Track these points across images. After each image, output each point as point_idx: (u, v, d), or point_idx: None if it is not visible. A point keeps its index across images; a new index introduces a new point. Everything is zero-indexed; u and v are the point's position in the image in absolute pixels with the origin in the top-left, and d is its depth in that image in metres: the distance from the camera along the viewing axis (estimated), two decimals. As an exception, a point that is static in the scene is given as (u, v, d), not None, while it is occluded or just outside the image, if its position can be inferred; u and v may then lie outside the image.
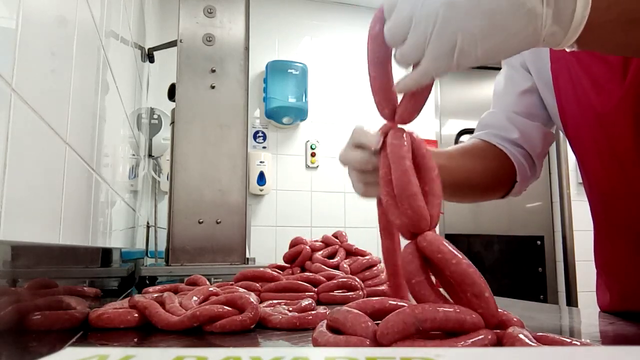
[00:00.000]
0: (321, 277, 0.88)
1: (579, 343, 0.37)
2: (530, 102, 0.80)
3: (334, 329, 0.41)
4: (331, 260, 1.02)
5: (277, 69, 2.86)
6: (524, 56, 0.81)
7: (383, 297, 0.44)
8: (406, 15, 0.40)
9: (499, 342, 0.37)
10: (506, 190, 0.83)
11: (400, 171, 0.44)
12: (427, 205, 0.43)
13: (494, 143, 0.81)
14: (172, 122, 1.50)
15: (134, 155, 1.57)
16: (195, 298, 0.64)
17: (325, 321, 0.43)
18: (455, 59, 0.39)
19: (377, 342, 0.37)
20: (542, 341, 0.36)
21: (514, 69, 0.83)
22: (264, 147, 2.91)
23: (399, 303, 0.42)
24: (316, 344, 0.40)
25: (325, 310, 0.61)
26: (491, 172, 0.80)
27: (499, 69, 0.89)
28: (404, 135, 0.46)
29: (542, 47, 0.41)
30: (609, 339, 0.56)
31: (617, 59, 0.64)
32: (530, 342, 0.35)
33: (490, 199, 0.83)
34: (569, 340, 0.37)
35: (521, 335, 0.36)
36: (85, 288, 0.66)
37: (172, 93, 1.55)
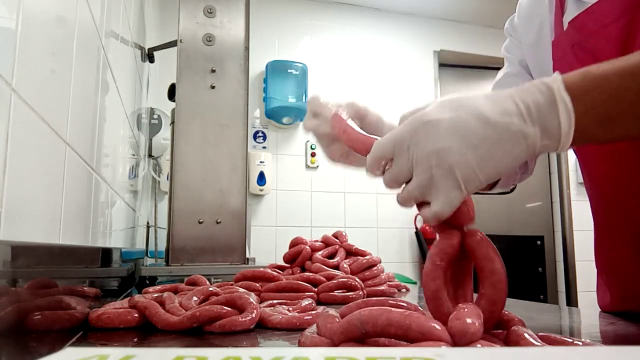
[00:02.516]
0: (321, 277, 0.88)
1: (580, 343, 0.37)
2: None
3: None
4: (331, 260, 1.02)
5: (277, 69, 2.86)
6: (524, 54, 0.81)
7: (383, 298, 0.44)
8: (403, 163, 0.44)
9: (501, 342, 0.37)
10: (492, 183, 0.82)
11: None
12: None
13: None
14: (172, 122, 1.50)
15: (134, 155, 1.57)
16: (195, 298, 0.64)
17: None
18: (463, 189, 0.42)
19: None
20: (545, 341, 0.36)
21: (513, 65, 0.84)
22: (264, 147, 2.91)
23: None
24: (299, 343, 0.43)
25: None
26: None
27: (499, 68, 0.89)
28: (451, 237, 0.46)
29: (540, 154, 0.45)
30: (610, 339, 0.56)
31: None
32: (534, 342, 0.35)
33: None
34: (570, 340, 0.37)
35: (526, 335, 0.36)
36: (85, 288, 0.66)
37: (172, 93, 1.55)
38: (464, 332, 0.33)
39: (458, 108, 0.43)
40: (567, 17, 0.69)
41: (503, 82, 0.86)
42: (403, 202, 0.46)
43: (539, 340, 0.36)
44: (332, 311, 0.43)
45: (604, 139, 0.44)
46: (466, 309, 0.36)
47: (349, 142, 0.52)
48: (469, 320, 0.34)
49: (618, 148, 0.66)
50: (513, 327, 0.38)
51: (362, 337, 0.36)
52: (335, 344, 0.37)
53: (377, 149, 0.47)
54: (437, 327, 0.34)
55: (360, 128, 0.55)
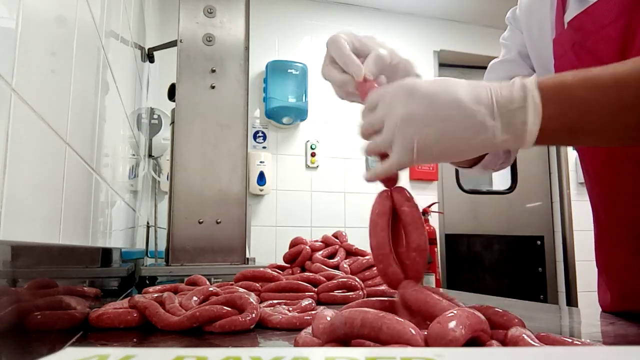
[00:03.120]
0: (321, 277, 0.88)
1: (580, 343, 0.37)
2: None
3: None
4: (331, 260, 1.02)
5: (277, 69, 2.86)
6: (524, 43, 0.81)
7: (383, 299, 0.44)
8: (379, 117, 0.49)
9: (501, 343, 0.37)
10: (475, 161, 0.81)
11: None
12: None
13: None
14: (172, 122, 1.50)
15: (134, 155, 1.57)
16: (195, 298, 0.64)
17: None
18: (415, 156, 0.46)
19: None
20: (544, 341, 0.36)
21: (511, 53, 0.84)
22: (264, 147, 2.91)
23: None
24: (294, 343, 0.43)
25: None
26: None
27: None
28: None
29: (500, 149, 0.49)
30: (610, 339, 0.56)
31: (613, 62, 0.64)
32: (533, 342, 0.35)
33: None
34: (570, 340, 0.37)
35: (524, 335, 0.36)
36: (85, 288, 0.66)
37: (172, 93, 1.55)
38: (441, 337, 0.32)
39: (440, 84, 0.46)
40: (568, 16, 0.69)
41: (496, 67, 0.85)
42: (367, 150, 0.51)
43: (537, 341, 0.36)
44: (327, 311, 0.44)
45: (568, 144, 0.47)
46: (453, 314, 0.34)
47: None
48: (450, 326, 0.33)
49: (618, 149, 0.66)
50: (512, 328, 0.38)
51: (344, 337, 0.36)
52: (322, 344, 0.37)
53: (368, 98, 0.51)
54: (410, 330, 0.33)
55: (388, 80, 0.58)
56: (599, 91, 0.44)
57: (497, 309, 0.42)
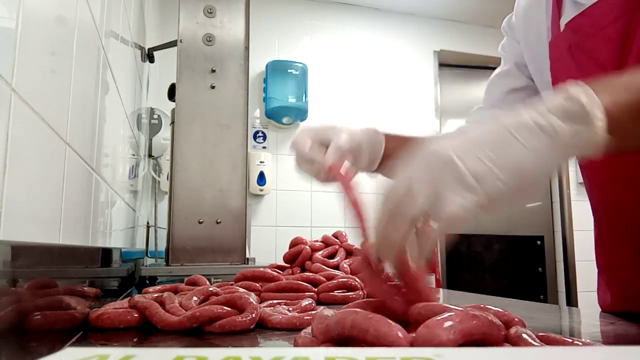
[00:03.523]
0: (321, 277, 0.88)
1: (580, 343, 0.37)
2: (516, 100, 0.81)
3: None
4: (331, 260, 1.02)
5: (277, 69, 2.86)
6: (521, 53, 0.81)
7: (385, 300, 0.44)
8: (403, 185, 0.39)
9: (501, 343, 0.37)
10: None
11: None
12: None
13: None
14: (172, 122, 1.50)
15: (134, 155, 1.57)
16: (195, 298, 0.64)
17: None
18: (477, 188, 0.36)
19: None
20: (545, 341, 0.36)
21: (508, 65, 0.84)
22: (264, 147, 2.91)
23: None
24: (294, 343, 0.43)
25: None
26: None
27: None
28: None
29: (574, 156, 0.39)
30: (610, 339, 0.56)
31: (612, 64, 0.64)
32: (533, 342, 0.35)
33: None
34: (570, 340, 0.37)
35: (525, 335, 0.36)
36: (85, 288, 0.66)
37: (172, 93, 1.55)
38: (428, 341, 0.31)
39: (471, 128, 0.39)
40: (565, 19, 0.69)
41: (495, 82, 0.86)
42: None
43: (538, 341, 0.36)
44: (327, 311, 0.43)
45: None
46: (444, 317, 0.33)
47: (352, 205, 0.53)
48: (438, 329, 0.31)
49: (616, 155, 0.66)
50: (512, 328, 0.38)
51: (338, 338, 0.36)
52: (319, 344, 0.37)
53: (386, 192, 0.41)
54: (397, 333, 0.32)
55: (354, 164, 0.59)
56: None
57: (496, 309, 0.41)
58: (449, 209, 0.36)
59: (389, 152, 0.69)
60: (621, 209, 0.70)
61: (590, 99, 0.37)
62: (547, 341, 0.36)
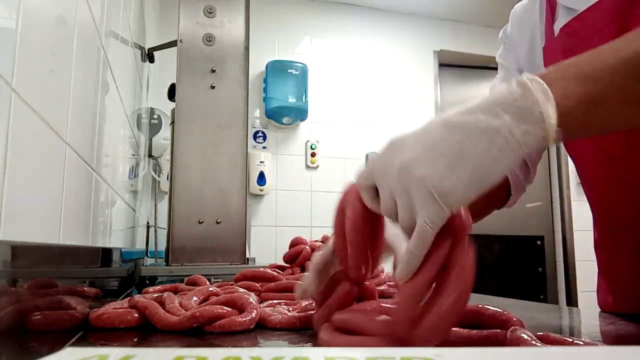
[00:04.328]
0: (321, 277, 0.87)
1: (582, 342, 0.37)
2: None
3: (344, 330, 0.41)
4: (331, 260, 1.02)
5: (277, 69, 2.86)
6: (519, 60, 0.82)
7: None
8: (388, 192, 0.40)
9: (501, 343, 0.37)
10: (500, 204, 0.84)
11: None
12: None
13: None
14: (172, 122, 1.50)
15: (134, 155, 1.57)
16: (195, 298, 0.64)
17: (327, 324, 0.43)
18: (440, 202, 0.37)
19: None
20: (544, 340, 0.36)
21: (508, 71, 0.84)
22: (264, 147, 2.91)
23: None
24: (327, 345, 0.41)
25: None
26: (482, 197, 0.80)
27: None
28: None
29: (526, 151, 0.38)
30: (610, 338, 0.56)
31: None
32: (533, 342, 0.35)
33: (483, 217, 0.84)
34: (570, 340, 0.37)
35: (524, 335, 0.36)
36: (85, 288, 0.66)
37: (172, 93, 1.55)
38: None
39: (427, 122, 0.41)
40: (558, 24, 0.70)
41: (495, 87, 0.87)
42: (404, 230, 0.40)
43: (538, 341, 0.36)
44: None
45: (595, 127, 0.42)
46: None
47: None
48: None
49: (613, 150, 0.66)
50: (512, 328, 0.38)
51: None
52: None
53: (359, 180, 0.43)
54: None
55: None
56: (603, 63, 0.41)
57: (495, 309, 0.42)
58: (420, 222, 0.38)
59: None
60: (620, 214, 0.70)
61: (545, 95, 0.38)
62: (546, 341, 0.36)
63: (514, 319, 0.41)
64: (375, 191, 0.42)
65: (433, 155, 0.38)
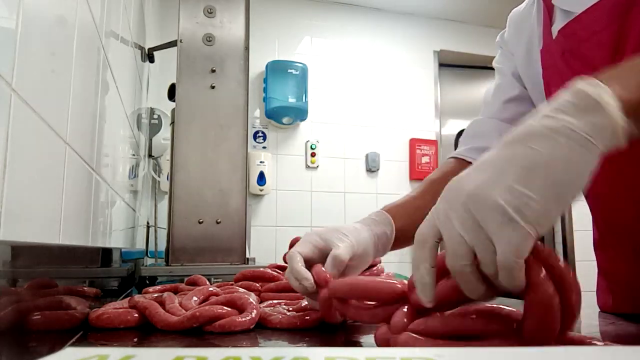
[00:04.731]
0: (321, 277, 0.87)
1: (602, 344, 0.37)
2: (517, 111, 0.81)
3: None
4: (331, 260, 1.02)
5: (277, 69, 2.86)
6: (515, 65, 0.82)
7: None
8: (454, 233, 0.36)
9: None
10: None
11: None
12: None
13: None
14: (172, 122, 1.50)
15: (134, 155, 1.57)
16: (195, 298, 0.64)
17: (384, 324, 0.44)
18: (518, 220, 0.33)
19: None
20: (565, 341, 0.36)
21: (504, 76, 0.84)
22: (264, 147, 2.91)
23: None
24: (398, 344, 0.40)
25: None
26: None
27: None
28: None
29: (601, 152, 0.36)
30: (610, 339, 0.56)
31: (605, 66, 0.65)
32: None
33: None
34: (588, 340, 0.37)
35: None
36: (85, 288, 0.66)
37: (172, 93, 1.55)
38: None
39: (483, 157, 0.38)
40: (556, 27, 0.70)
41: (493, 93, 0.87)
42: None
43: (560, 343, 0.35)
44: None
45: None
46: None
47: (356, 317, 0.51)
48: None
49: (612, 154, 0.67)
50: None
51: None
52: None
53: (419, 234, 0.40)
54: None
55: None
56: None
57: (511, 309, 0.41)
58: (505, 250, 0.34)
59: (400, 233, 0.69)
60: (620, 209, 0.70)
61: (596, 88, 0.36)
62: (567, 341, 0.36)
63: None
64: (437, 245, 0.39)
65: (500, 176, 0.34)
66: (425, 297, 0.39)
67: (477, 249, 0.35)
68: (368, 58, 3.16)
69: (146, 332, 0.57)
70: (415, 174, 3.06)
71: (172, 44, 1.61)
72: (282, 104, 2.81)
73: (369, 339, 0.51)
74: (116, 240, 1.13)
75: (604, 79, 0.37)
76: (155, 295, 0.70)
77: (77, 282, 0.62)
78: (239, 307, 0.59)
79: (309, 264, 0.60)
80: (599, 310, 0.80)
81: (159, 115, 2.05)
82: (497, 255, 0.34)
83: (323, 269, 0.56)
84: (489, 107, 0.86)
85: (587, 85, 0.37)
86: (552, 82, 0.73)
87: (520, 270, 0.34)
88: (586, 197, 0.77)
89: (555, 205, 0.34)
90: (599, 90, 0.36)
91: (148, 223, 2.07)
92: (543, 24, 0.74)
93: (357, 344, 0.52)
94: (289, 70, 2.86)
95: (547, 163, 0.34)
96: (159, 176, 2.26)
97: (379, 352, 0.26)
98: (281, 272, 0.98)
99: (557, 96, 0.37)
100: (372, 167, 3.05)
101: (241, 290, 0.70)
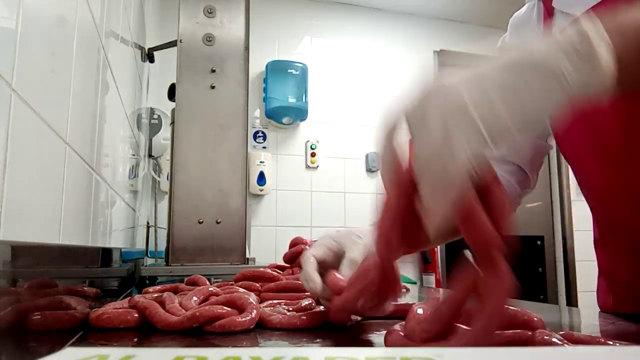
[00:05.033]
0: (321, 277, 0.87)
1: (611, 343, 0.37)
2: None
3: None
4: (331, 260, 1.02)
5: (277, 69, 2.86)
6: None
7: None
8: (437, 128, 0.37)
9: (524, 344, 0.37)
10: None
11: None
12: None
13: None
14: (172, 122, 1.50)
15: (134, 155, 1.57)
16: (195, 298, 0.64)
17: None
18: (488, 138, 0.35)
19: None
20: (570, 340, 0.36)
21: None
22: (264, 147, 2.92)
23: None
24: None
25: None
26: None
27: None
28: None
29: (574, 99, 0.37)
30: (610, 339, 0.56)
31: None
32: (559, 343, 0.34)
33: None
34: (597, 339, 0.37)
35: (554, 339, 0.35)
36: (85, 288, 0.66)
37: (172, 93, 1.55)
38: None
39: (480, 65, 0.39)
40: (557, 29, 0.71)
41: None
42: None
43: (565, 341, 0.35)
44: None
45: None
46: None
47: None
48: None
49: (611, 149, 0.67)
50: (539, 331, 0.37)
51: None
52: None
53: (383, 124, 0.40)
54: None
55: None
56: None
57: (516, 309, 0.41)
58: (460, 159, 0.35)
59: None
60: (620, 210, 0.70)
61: (601, 41, 0.36)
62: (570, 339, 0.36)
63: (535, 319, 0.40)
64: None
65: (484, 93, 0.36)
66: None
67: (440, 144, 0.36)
68: (368, 58, 3.16)
69: (146, 332, 0.57)
70: (415, 174, 3.06)
71: (172, 44, 1.61)
72: (282, 104, 2.81)
73: (369, 338, 0.51)
74: (116, 240, 1.13)
75: (609, 26, 0.37)
76: (155, 295, 0.70)
77: (77, 282, 0.62)
78: (239, 307, 0.59)
79: (323, 266, 0.60)
80: (599, 310, 0.80)
81: (159, 115, 2.05)
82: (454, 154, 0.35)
83: (339, 276, 0.56)
84: None
85: (597, 39, 0.36)
86: None
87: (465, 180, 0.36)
88: (586, 197, 0.77)
89: (517, 132, 0.36)
90: (605, 48, 0.36)
91: (148, 223, 2.07)
92: (543, 27, 0.75)
93: (358, 343, 0.52)
94: (289, 70, 2.86)
95: (531, 98, 0.36)
96: (159, 176, 2.26)
97: (379, 352, 0.26)
98: (281, 272, 0.98)
99: (564, 33, 0.37)
100: (372, 167, 3.05)
101: (241, 290, 0.70)
